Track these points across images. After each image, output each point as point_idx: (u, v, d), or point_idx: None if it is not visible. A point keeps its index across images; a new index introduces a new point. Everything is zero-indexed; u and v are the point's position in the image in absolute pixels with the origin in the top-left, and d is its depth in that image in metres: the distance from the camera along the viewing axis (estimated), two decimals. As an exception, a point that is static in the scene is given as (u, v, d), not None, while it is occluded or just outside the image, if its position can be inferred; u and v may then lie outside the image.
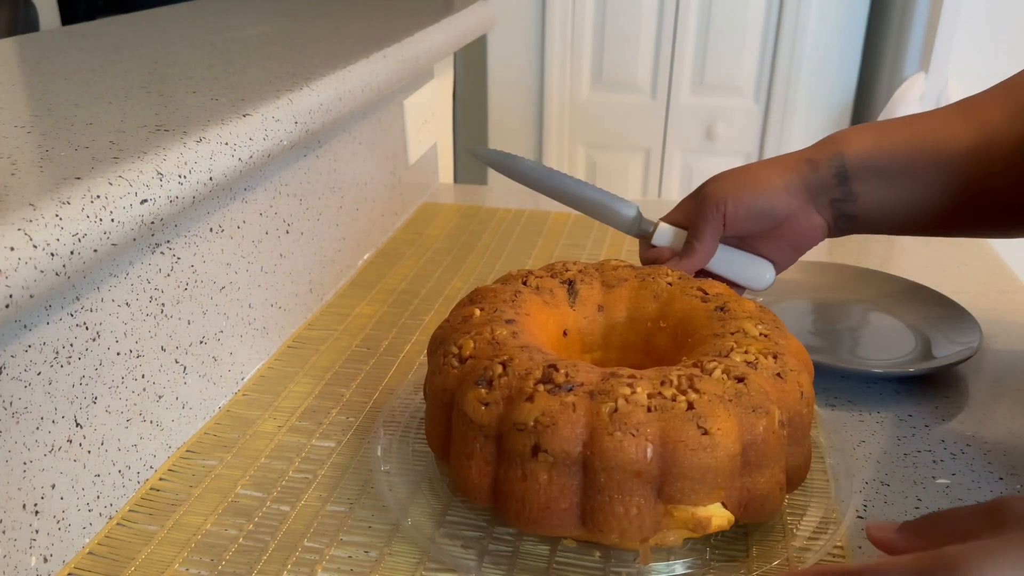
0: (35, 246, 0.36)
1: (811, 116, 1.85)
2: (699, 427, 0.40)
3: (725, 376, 0.43)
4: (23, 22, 1.95)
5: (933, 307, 0.69)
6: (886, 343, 0.66)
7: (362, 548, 0.45)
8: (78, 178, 0.41)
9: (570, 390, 0.41)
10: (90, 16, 2.15)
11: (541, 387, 0.42)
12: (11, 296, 0.35)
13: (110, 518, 0.48)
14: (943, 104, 1.57)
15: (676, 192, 1.99)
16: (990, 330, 0.69)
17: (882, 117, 1.66)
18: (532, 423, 0.41)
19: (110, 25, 0.87)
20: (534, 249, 0.86)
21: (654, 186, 2.00)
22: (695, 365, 0.44)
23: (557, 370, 0.43)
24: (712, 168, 1.94)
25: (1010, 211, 0.58)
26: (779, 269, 0.64)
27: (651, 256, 0.64)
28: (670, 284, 0.53)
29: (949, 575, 0.29)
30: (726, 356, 0.45)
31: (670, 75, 1.89)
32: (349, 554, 0.45)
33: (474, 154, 0.67)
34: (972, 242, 0.88)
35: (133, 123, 0.51)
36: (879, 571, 0.32)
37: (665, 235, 0.63)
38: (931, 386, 0.62)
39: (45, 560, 0.43)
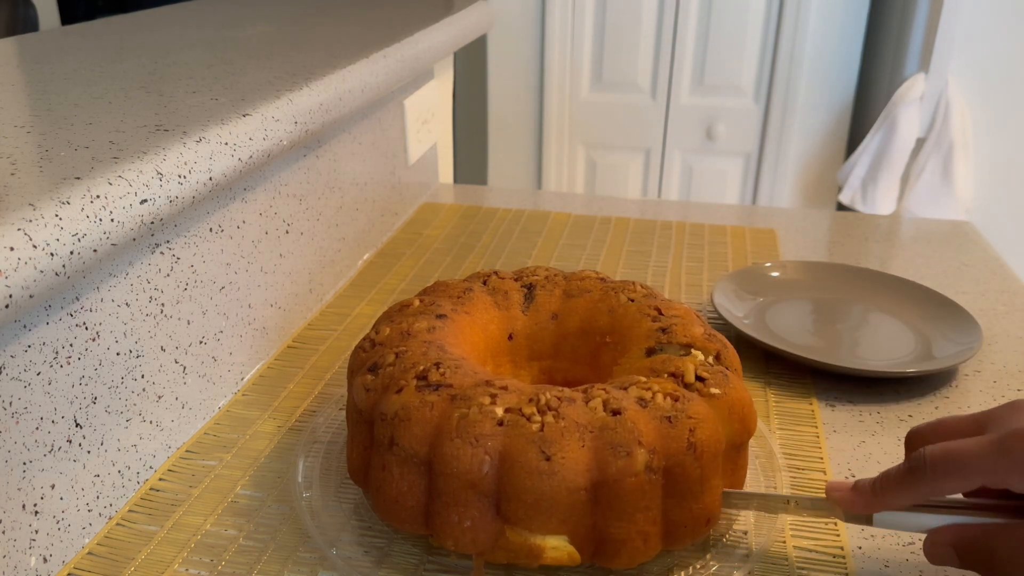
0: (35, 246, 0.36)
1: (811, 116, 1.85)
2: (542, 451, 0.38)
3: (601, 406, 0.40)
4: (23, 22, 1.95)
5: (933, 307, 0.69)
6: (886, 343, 0.66)
7: (362, 548, 0.45)
8: (78, 178, 0.41)
9: (436, 389, 0.41)
10: (90, 16, 2.15)
11: (414, 382, 0.42)
12: (11, 296, 0.35)
13: (110, 518, 0.48)
14: (943, 104, 1.58)
15: (676, 192, 1.99)
16: (990, 330, 0.69)
17: (882, 117, 1.66)
18: (392, 415, 0.41)
19: (110, 25, 0.87)
20: (534, 249, 0.86)
21: (654, 186, 2.01)
22: (584, 390, 0.41)
23: (438, 368, 0.42)
24: (712, 168, 1.97)
25: None
26: None
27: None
28: (631, 300, 0.50)
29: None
30: (625, 388, 0.42)
31: (670, 75, 1.89)
32: (350, 554, 0.45)
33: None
34: (972, 242, 0.88)
35: (133, 123, 0.51)
36: (961, 451, 0.34)
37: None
38: (931, 386, 0.62)
39: (45, 560, 0.43)
